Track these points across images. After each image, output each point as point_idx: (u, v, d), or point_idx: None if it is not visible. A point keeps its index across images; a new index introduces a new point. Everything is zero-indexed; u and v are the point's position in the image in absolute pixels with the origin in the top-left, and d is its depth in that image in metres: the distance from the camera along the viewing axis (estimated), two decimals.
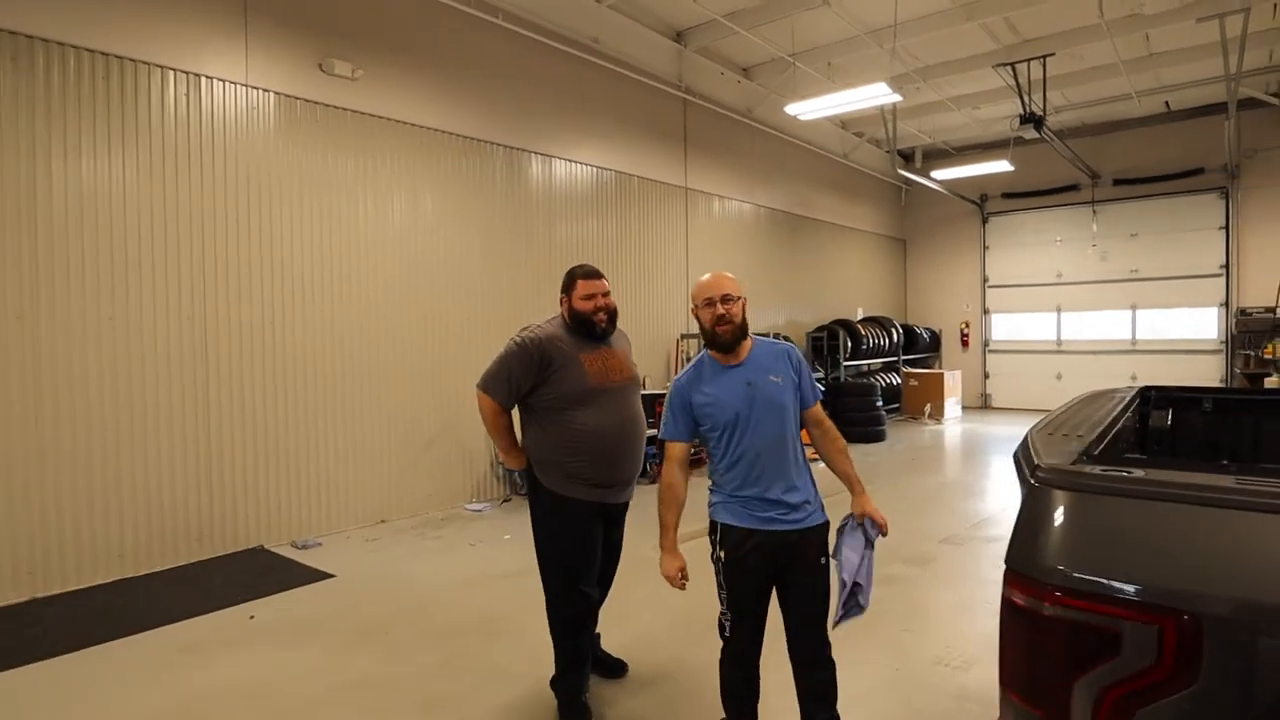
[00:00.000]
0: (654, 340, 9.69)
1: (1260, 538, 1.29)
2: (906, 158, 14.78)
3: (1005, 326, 14.99)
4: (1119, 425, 2.27)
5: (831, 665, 2.66)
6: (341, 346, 6.42)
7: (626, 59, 8.90)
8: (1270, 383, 7.13)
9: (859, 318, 13.72)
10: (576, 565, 3.17)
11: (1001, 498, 7.40)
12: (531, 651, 3.82)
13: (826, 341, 12.36)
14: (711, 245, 10.65)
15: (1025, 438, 1.95)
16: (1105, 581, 1.37)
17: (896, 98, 8.24)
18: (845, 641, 2.96)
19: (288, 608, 4.66)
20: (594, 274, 3.22)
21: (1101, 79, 10.65)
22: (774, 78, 10.36)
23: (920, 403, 13.21)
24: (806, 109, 8.66)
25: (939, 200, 14.99)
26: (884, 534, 2.66)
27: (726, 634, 2.62)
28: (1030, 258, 14.54)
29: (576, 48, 8.29)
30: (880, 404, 11.37)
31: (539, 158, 8.14)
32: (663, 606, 4.46)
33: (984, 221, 15.10)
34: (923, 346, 14.90)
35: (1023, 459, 1.64)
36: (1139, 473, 1.44)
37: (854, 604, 2.65)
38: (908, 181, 15.29)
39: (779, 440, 2.58)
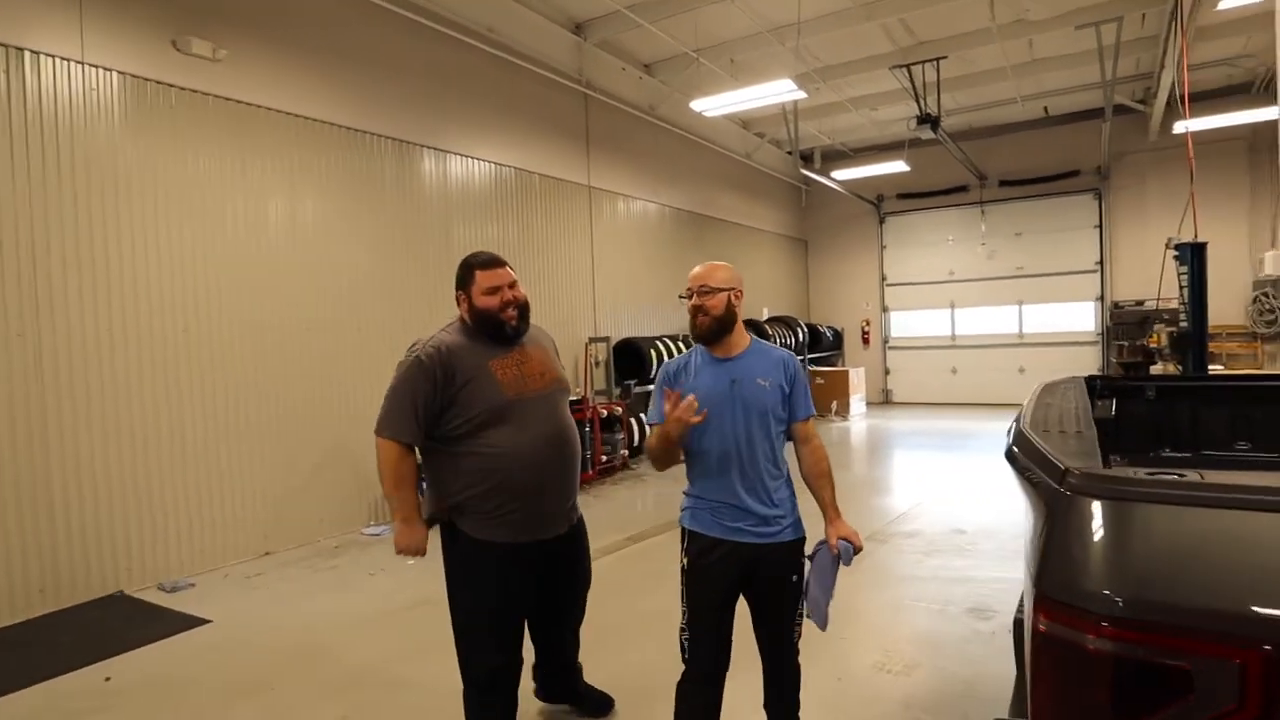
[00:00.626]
0: (561, 346, 9.19)
1: None
2: (806, 159, 15.01)
3: (903, 324, 15.46)
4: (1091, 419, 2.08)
5: (797, 669, 2.62)
6: (212, 363, 5.69)
7: (524, 50, 8.47)
8: (1154, 369, 7.51)
9: (765, 318, 13.77)
10: (496, 624, 2.63)
11: (913, 492, 7.45)
12: (444, 702, 3.35)
13: None
14: (618, 245, 10.34)
15: (1019, 436, 1.70)
16: (1169, 607, 1.10)
17: (801, 95, 8.20)
18: None
19: (152, 664, 3.99)
20: (495, 261, 2.70)
21: (989, 83, 11.06)
22: (677, 74, 10.18)
23: (827, 400, 13.38)
24: (712, 104, 8.51)
25: (838, 201, 15.30)
26: (859, 551, 2.52)
27: (685, 654, 2.50)
28: (925, 256, 15.05)
29: (470, 35, 7.79)
30: None
31: (432, 153, 7.58)
32: (658, 625, 4.07)
33: (881, 221, 15.53)
34: (826, 345, 15.15)
35: (1035, 463, 1.38)
36: (1192, 475, 1.19)
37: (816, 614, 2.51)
38: (808, 182, 15.54)
39: (751, 444, 2.46)
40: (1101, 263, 13.48)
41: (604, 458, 8.57)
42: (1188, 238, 6.68)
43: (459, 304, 2.74)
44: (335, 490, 6.52)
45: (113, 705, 3.55)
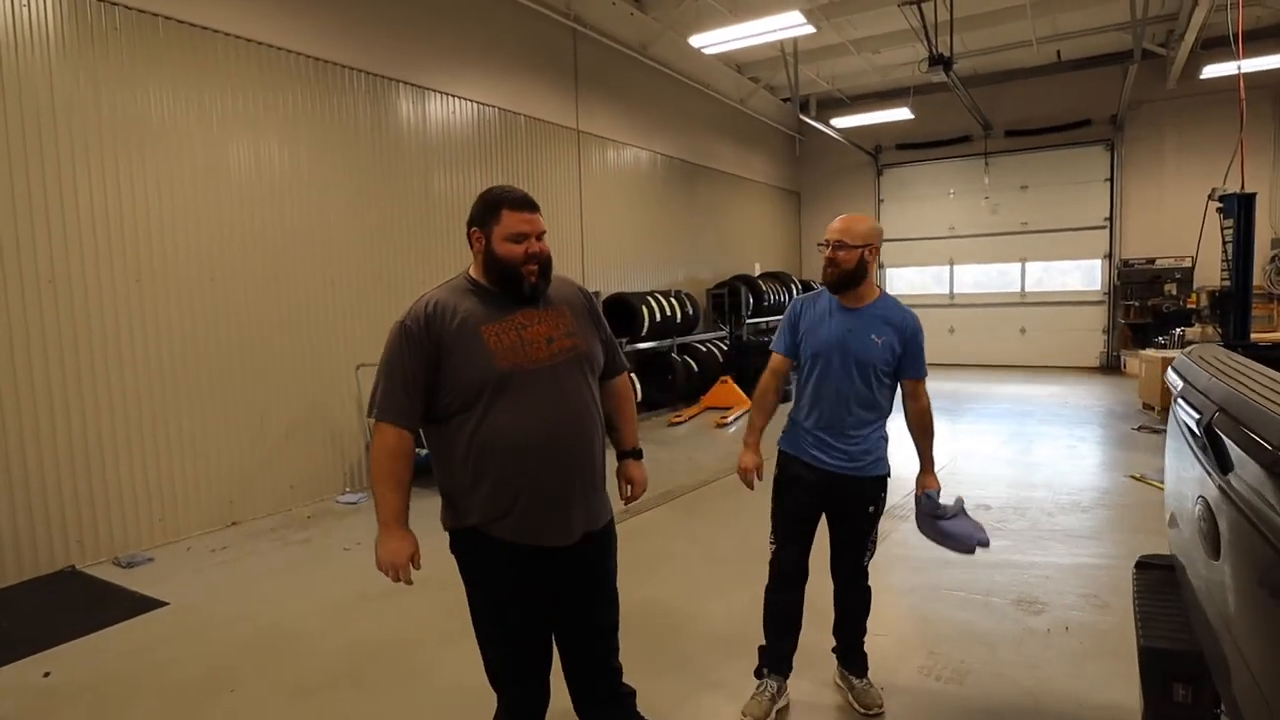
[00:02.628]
0: None
1: None
2: (802, 107, 14.33)
3: (900, 281, 14.99)
4: None
5: (866, 590, 2.89)
6: (169, 318, 5.14)
7: None
8: (1191, 333, 7.10)
9: (757, 273, 13.27)
10: (502, 638, 2.16)
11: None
12: (432, 708, 2.95)
13: (728, 299, 11.82)
14: (608, 195, 9.74)
15: (1222, 416, 1.25)
16: None
17: (809, 29, 7.58)
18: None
19: (99, 656, 3.55)
20: (528, 202, 2.14)
21: (1003, 22, 10.40)
22: (670, 10, 9.46)
23: None
24: (713, 39, 7.88)
25: (834, 152, 14.68)
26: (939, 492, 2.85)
27: (772, 558, 2.83)
28: (924, 211, 14.50)
29: None
30: None
31: (410, 90, 6.92)
32: (659, 619, 3.66)
33: (878, 174, 14.95)
34: None
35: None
36: None
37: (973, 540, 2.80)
38: (803, 131, 14.90)
39: (850, 393, 2.69)
40: (1111, 218, 12.98)
41: None
42: (1234, 189, 6.18)
43: (472, 243, 2.19)
44: (308, 455, 6.04)
45: (50, 708, 3.12)
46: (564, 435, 2.10)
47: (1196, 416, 1.56)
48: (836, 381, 2.69)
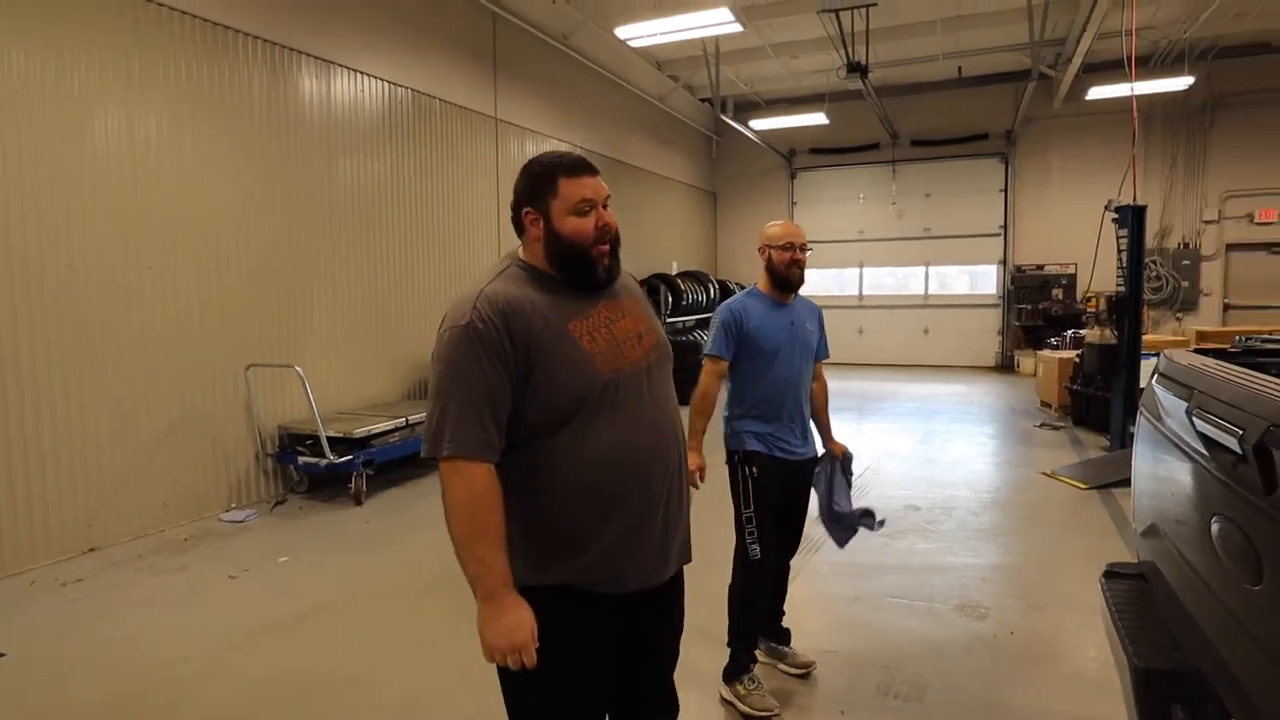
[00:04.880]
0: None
1: None
2: (714, 106, 14.39)
3: (812, 282, 15.20)
4: None
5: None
6: (14, 308, 4.43)
7: None
8: (1090, 336, 7.46)
9: (675, 272, 13.19)
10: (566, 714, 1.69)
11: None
12: None
13: (647, 297, 11.63)
14: None
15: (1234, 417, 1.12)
16: None
17: (738, 27, 7.47)
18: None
19: None
20: (585, 165, 1.71)
21: (914, 36, 10.70)
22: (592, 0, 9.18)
23: None
24: (641, 31, 7.65)
25: (750, 153, 14.79)
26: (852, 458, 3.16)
27: (757, 556, 2.84)
28: (836, 214, 14.83)
29: None
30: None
31: (314, 63, 6.35)
32: None
33: (792, 177, 15.18)
34: None
35: None
36: None
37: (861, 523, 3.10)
38: (720, 131, 14.95)
39: (801, 379, 2.94)
40: (1005, 226, 13.69)
41: None
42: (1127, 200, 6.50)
43: (525, 227, 1.73)
44: (185, 466, 5.38)
45: None
46: (668, 451, 1.72)
47: (1240, 432, 1.44)
48: (792, 373, 2.90)
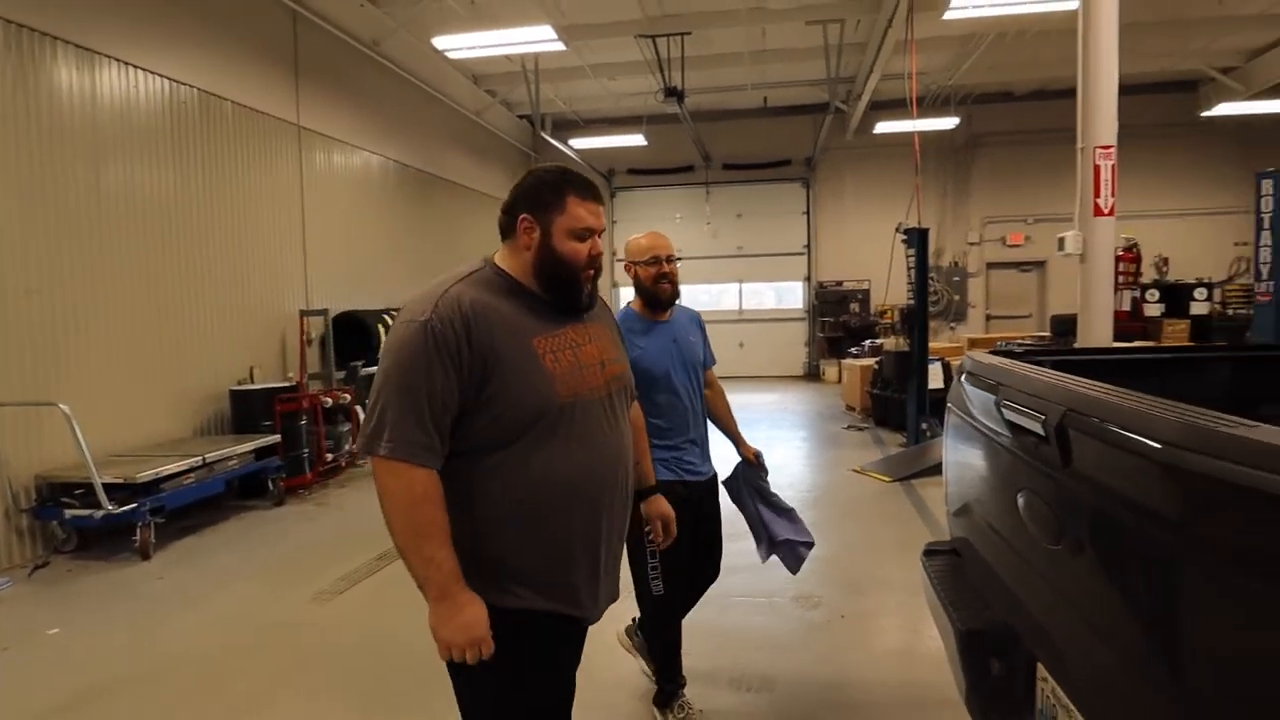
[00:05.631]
0: (268, 320, 7.60)
1: None
2: (534, 124, 14.42)
3: (630, 299, 15.65)
4: None
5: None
6: None
7: None
8: (888, 344, 8.24)
9: None
10: None
11: None
12: None
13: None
14: (335, 202, 8.76)
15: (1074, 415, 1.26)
16: None
17: (560, 46, 7.52)
18: None
19: None
20: (595, 190, 1.71)
21: (724, 66, 11.35)
22: (405, 7, 8.84)
23: None
24: (460, 43, 7.50)
25: None
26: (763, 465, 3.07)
27: (660, 591, 2.66)
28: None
29: None
30: None
31: (75, 52, 5.53)
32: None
33: (611, 196, 15.51)
34: None
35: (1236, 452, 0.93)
36: None
37: (797, 551, 2.97)
38: (538, 149, 14.95)
39: (694, 394, 2.78)
40: (809, 246, 14.91)
41: (330, 456, 7.16)
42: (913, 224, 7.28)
43: (518, 233, 1.66)
44: None
45: None
46: (617, 482, 1.69)
47: (1043, 417, 1.62)
48: (685, 391, 2.73)
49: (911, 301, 7.40)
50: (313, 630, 3.82)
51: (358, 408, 7.81)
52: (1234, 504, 1.04)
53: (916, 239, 7.23)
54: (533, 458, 1.57)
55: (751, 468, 3.02)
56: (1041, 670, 1.75)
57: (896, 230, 7.51)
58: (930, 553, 2.63)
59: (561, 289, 1.66)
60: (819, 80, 11.57)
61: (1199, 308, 10.53)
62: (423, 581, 1.51)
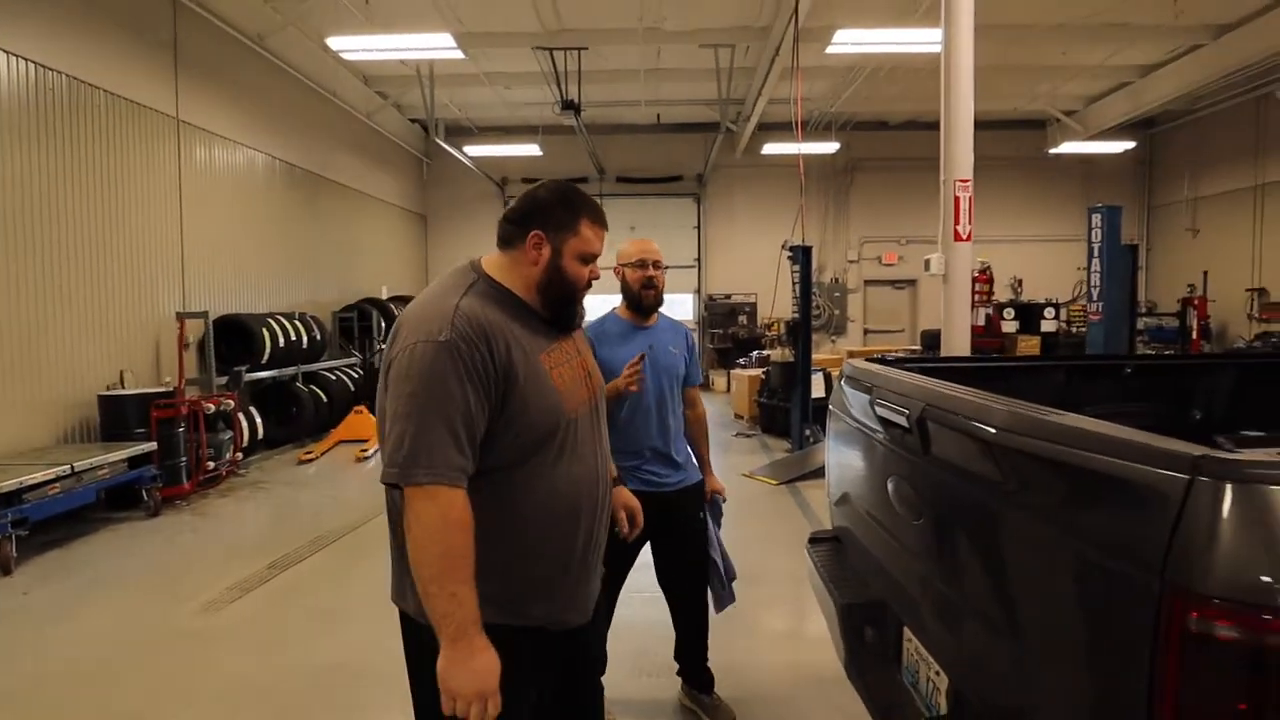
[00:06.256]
0: (143, 322, 7.17)
1: None
2: (428, 129, 14.22)
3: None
4: None
5: (706, 604, 2.98)
6: None
7: None
8: (775, 355, 8.69)
9: (385, 296, 12.67)
10: None
11: None
12: None
13: (357, 322, 11.11)
14: (216, 200, 8.37)
15: (932, 409, 1.53)
16: None
17: (459, 54, 7.54)
18: None
19: None
20: (604, 218, 1.73)
21: (619, 82, 11.62)
22: (295, 4, 8.57)
23: None
24: (355, 45, 7.38)
25: (462, 178, 14.78)
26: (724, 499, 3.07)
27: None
28: None
29: None
30: None
31: None
32: (352, 689, 3.00)
33: (505, 204, 15.44)
34: None
35: (1125, 452, 1.18)
36: None
37: (725, 588, 2.96)
38: (430, 154, 14.74)
39: (664, 403, 2.77)
40: (699, 260, 15.41)
41: (210, 465, 6.81)
42: (798, 241, 7.76)
43: (528, 248, 1.64)
44: None
45: None
46: (602, 494, 1.72)
47: (907, 412, 1.89)
48: (654, 397, 2.73)
49: (796, 315, 7.86)
50: (202, 640, 3.70)
51: (240, 415, 7.48)
52: (1045, 472, 1.32)
53: (801, 256, 7.71)
54: (540, 477, 1.57)
55: (712, 503, 3.00)
56: (907, 633, 2.02)
57: (782, 247, 7.98)
58: (814, 540, 2.90)
59: (561, 308, 1.67)
60: (711, 100, 12.05)
61: (1049, 325, 11.76)
62: (441, 618, 1.42)
